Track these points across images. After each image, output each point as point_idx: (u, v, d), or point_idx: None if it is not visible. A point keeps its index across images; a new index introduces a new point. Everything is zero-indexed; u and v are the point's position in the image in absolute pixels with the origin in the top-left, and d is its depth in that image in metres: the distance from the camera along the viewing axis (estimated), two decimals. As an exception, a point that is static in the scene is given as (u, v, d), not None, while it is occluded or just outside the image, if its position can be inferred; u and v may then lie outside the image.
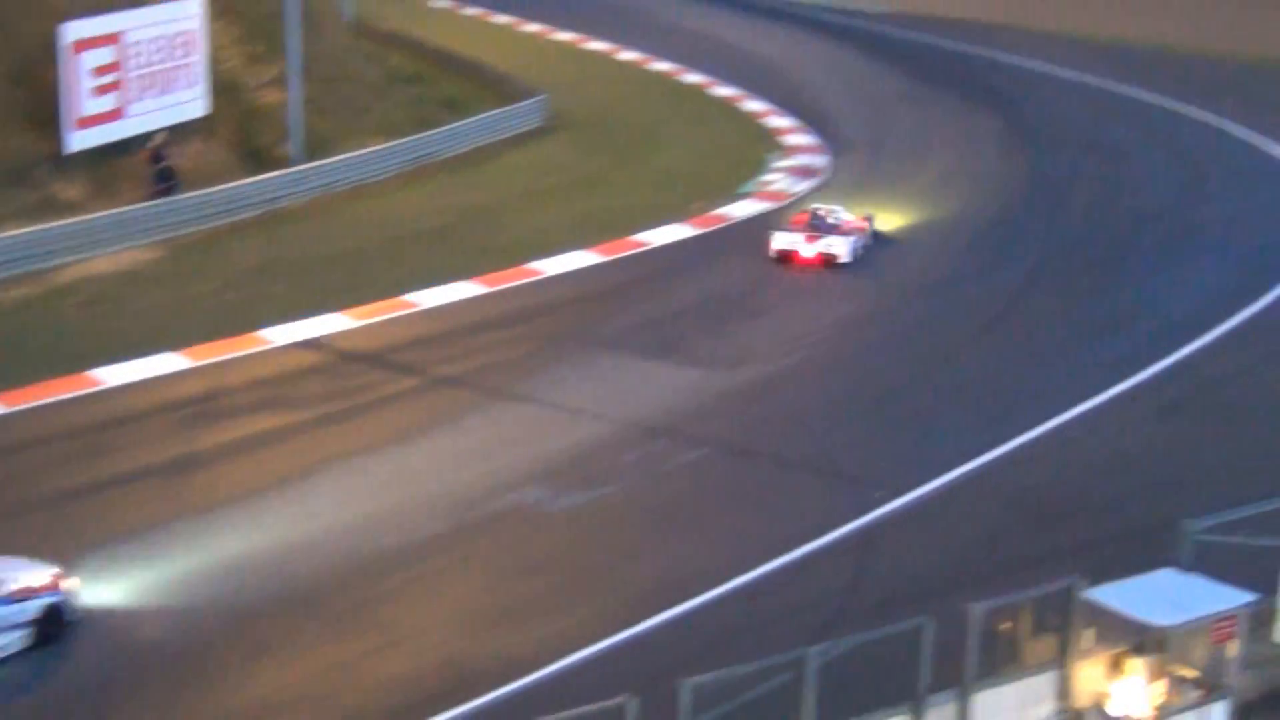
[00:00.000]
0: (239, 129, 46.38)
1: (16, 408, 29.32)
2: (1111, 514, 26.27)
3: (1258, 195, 47.95)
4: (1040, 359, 33.71)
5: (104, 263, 38.02)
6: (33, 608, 20.82)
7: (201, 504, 25.60)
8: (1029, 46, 72.88)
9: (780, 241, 39.41)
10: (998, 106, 59.97)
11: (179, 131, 43.93)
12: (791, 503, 26.42)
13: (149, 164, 42.06)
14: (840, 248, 39.05)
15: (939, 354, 33.82)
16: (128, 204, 40.58)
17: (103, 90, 41.52)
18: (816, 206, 41.14)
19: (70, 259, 37.70)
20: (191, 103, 44.70)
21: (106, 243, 38.68)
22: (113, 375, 30.96)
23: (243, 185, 43.05)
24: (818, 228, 39.65)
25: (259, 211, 42.69)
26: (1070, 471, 28.00)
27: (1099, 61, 69.36)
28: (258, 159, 45.68)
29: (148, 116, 43.00)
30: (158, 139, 42.70)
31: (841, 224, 39.85)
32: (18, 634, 20.65)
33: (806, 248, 39.05)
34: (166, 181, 41.77)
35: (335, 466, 27.21)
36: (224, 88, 46.72)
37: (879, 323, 36.07)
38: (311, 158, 46.08)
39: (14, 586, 20.79)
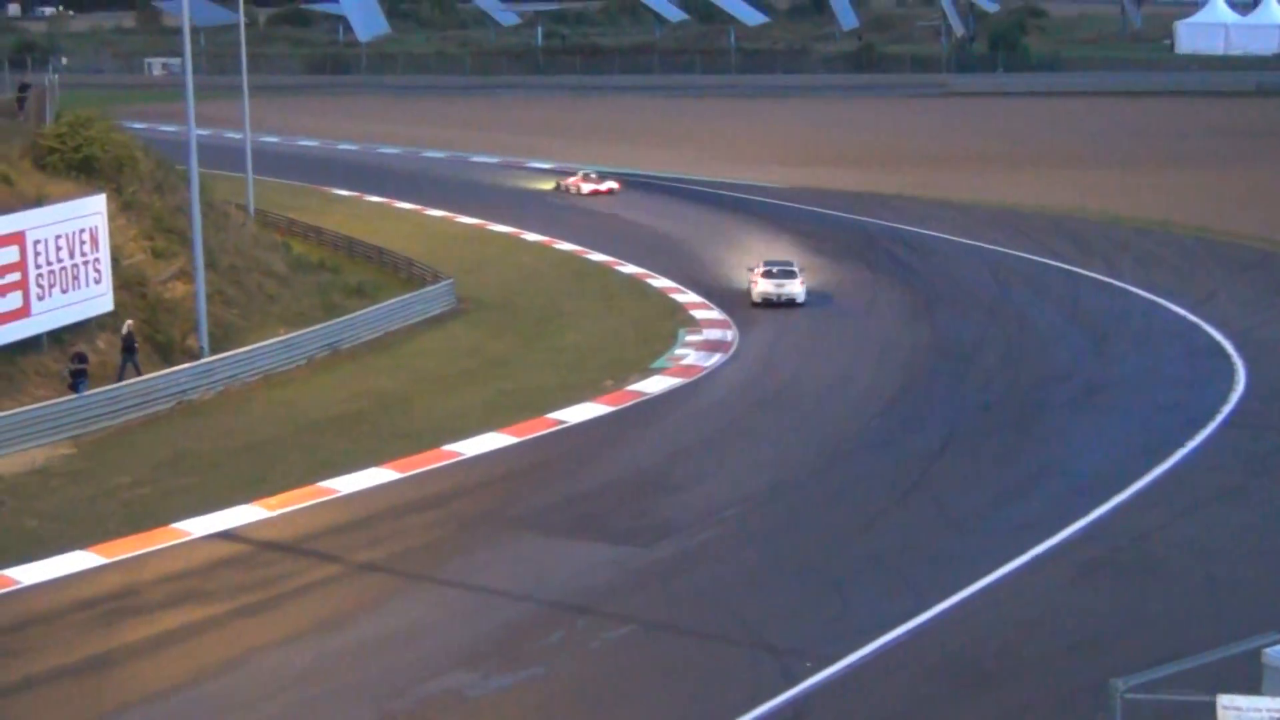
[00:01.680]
0: (146, 323, 46.32)
1: (-73, 612, 28.87)
2: (1038, 676, 26.32)
3: (1159, 353, 48.75)
4: (956, 524, 33.90)
5: (12, 461, 37.66)
6: None
7: (119, 703, 25.25)
8: (926, 215, 74.24)
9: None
10: (900, 274, 60.92)
11: (85, 328, 43.84)
12: (719, 677, 26.31)
13: (69, 361, 41.89)
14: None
15: (855, 523, 33.95)
16: (35, 402, 40.33)
17: (6, 289, 41.42)
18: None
19: (-22, 459, 37.34)
20: (98, 299, 44.63)
21: (15, 441, 38.35)
22: (24, 575, 30.59)
23: (152, 379, 42.91)
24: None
25: (169, 404, 42.55)
26: (995, 635, 28.08)
27: (993, 227, 70.73)
28: (166, 352, 45.63)
29: (53, 314, 42.91)
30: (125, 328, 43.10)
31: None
32: None
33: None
34: (78, 378, 41.59)
35: (256, 658, 26.89)
36: (130, 282, 46.76)
37: (794, 493, 36.20)
38: (220, 349, 46.06)
39: None
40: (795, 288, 54.44)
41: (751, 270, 55.85)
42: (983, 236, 68.67)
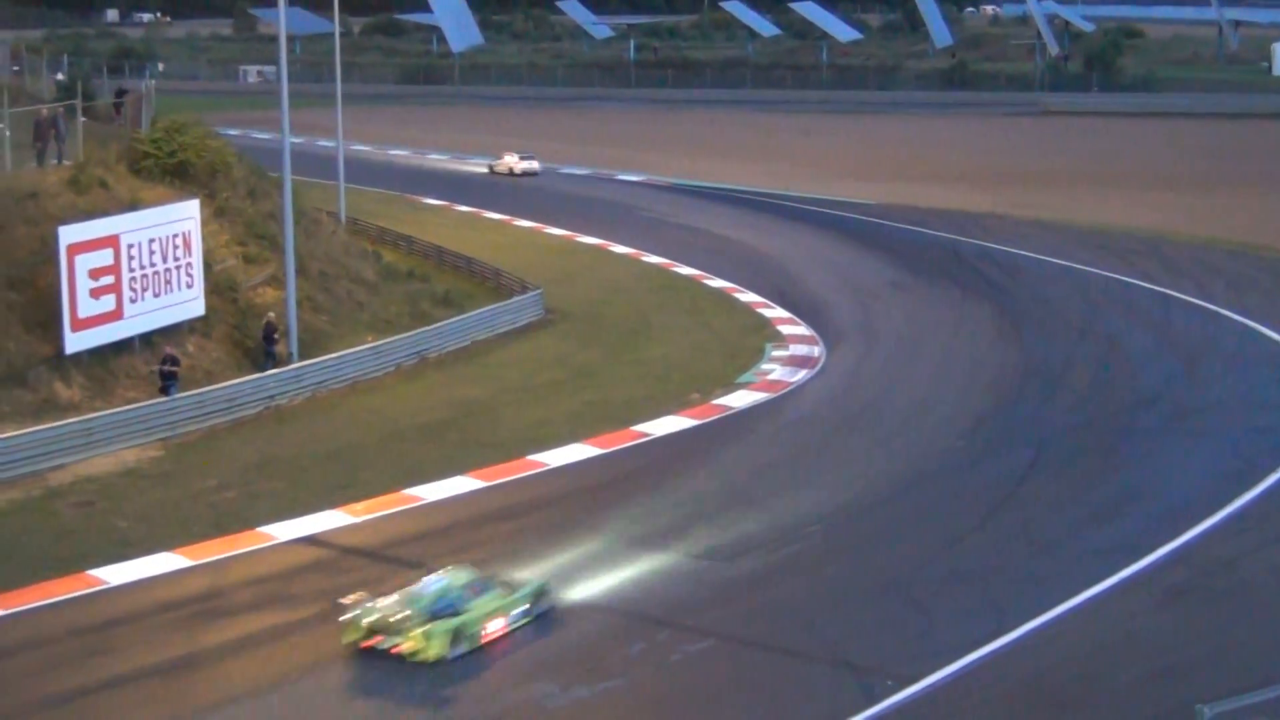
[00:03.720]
0: (236, 328, 46.74)
1: (15, 609, 29.27)
2: (1121, 702, 26.07)
3: (1251, 378, 48.16)
4: (1042, 546, 33.61)
5: (103, 463, 38.10)
6: None
7: (204, 704, 25.50)
8: (1016, 234, 73.78)
9: None
10: (989, 294, 60.55)
11: (176, 331, 44.30)
12: (799, 694, 26.25)
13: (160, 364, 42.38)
14: None
15: (939, 542, 33.73)
16: (127, 404, 40.76)
17: (100, 292, 41.89)
18: None
19: (69, 459, 37.80)
20: (189, 303, 45.07)
21: (105, 443, 38.80)
22: (112, 575, 30.96)
23: (240, 383, 43.30)
24: None
25: (257, 409, 42.88)
26: (1078, 659, 27.81)
27: (1086, 248, 70.16)
28: (254, 357, 45.99)
29: (146, 317, 43.37)
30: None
31: None
32: None
33: None
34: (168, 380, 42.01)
35: (338, 663, 27.03)
36: (221, 287, 47.20)
37: (878, 511, 36.02)
38: (308, 355, 46.39)
39: None
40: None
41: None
42: (1074, 256, 68.15)
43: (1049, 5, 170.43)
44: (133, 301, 42.95)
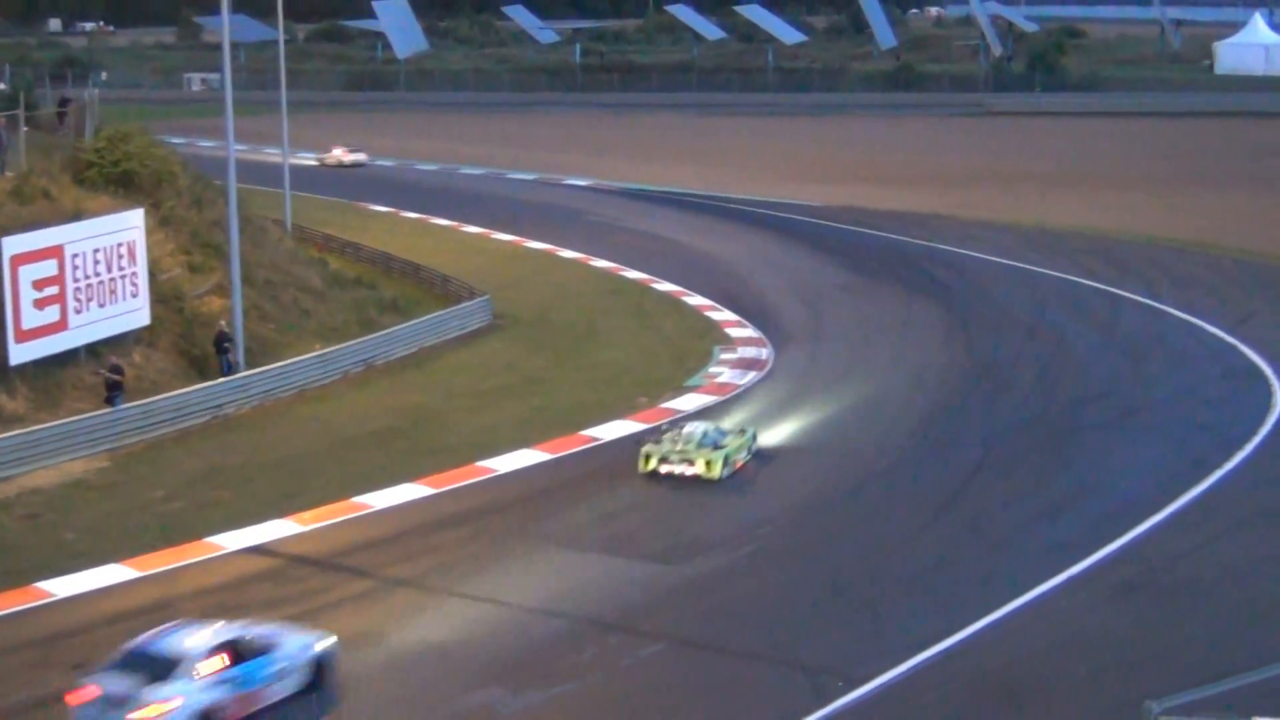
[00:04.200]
0: (182, 337, 46.53)
1: (-39, 623, 29.04)
2: (1072, 698, 26.21)
3: (1196, 375, 48.48)
4: (992, 544, 33.78)
5: (49, 474, 37.86)
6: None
7: (153, 716, 25.25)
8: (963, 235, 74.05)
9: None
10: (936, 294, 60.77)
11: (122, 342, 44.08)
12: (751, 696, 26.29)
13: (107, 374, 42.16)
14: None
15: (889, 542, 33.86)
16: (72, 415, 40.51)
17: (45, 303, 41.64)
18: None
19: (14, 471, 37.55)
20: (134, 313, 44.83)
21: (51, 454, 38.55)
22: (60, 587, 30.80)
23: (187, 393, 43.09)
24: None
25: (204, 419, 42.68)
26: (1028, 656, 27.96)
27: (1032, 248, 70.46)
28: (201, 367, 45.79)
29: (91, 327, 43.11)
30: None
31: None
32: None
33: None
34: (113, 391, 41.78)
35: (288, 673, 26.91)
36: (166, 296, 46.97)
37: (827, 512, 36.13)
38: (255, 364, 46.20)
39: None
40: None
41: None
42: (1020, 257, 68.46)
43: (992, 6, 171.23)
44: (77, 312, 42.68)
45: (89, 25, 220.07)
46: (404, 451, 40.53)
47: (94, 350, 43.30)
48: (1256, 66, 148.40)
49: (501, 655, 27.76)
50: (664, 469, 37.33)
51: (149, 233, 46.17)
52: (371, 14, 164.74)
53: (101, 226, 44.29)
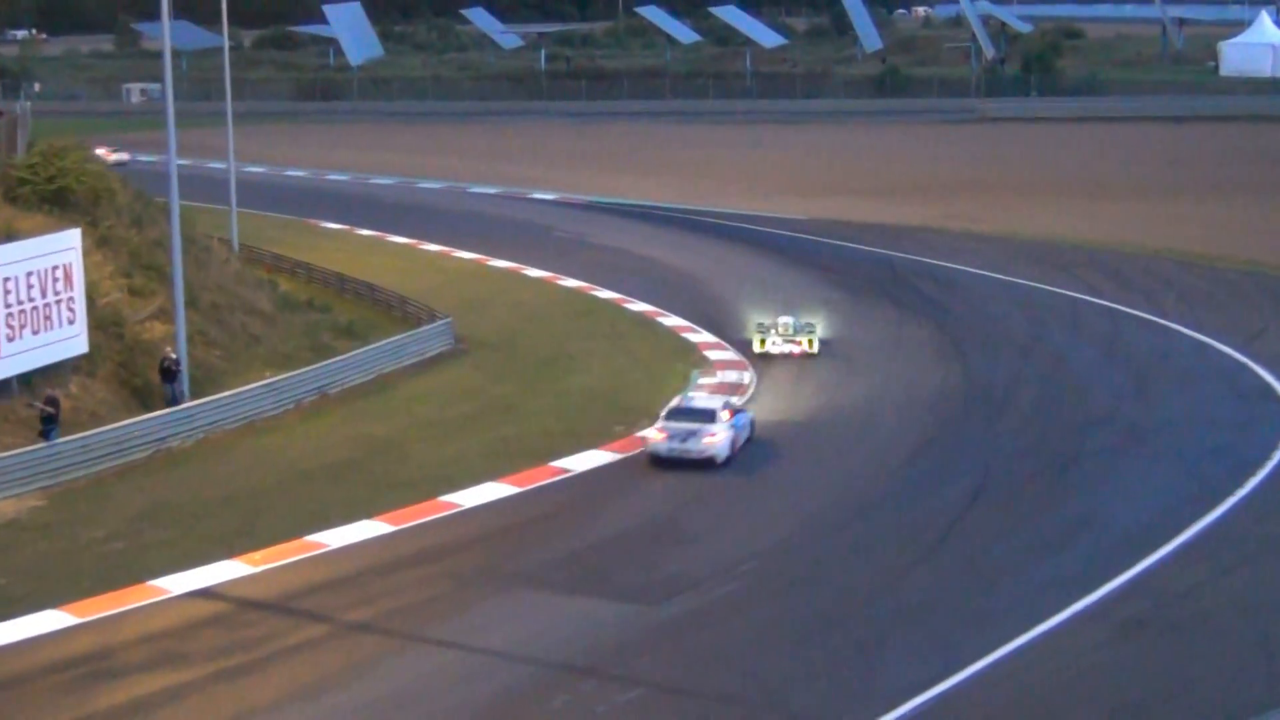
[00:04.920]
0: (122, 365, 46.36)
1: (-113, 676, 28.81)
2: (1079, 742, 26.23)
3: (1205, 395, 48.60)
4: (991, 579, 33.78)
5: (-21, 514, 37.68)
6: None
7: (94, 773, 25.14)
8: (954, 248, 74.30)
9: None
10: (927, 312, 60.91)
11: (57, 371, 43.88)
12: (735, 744, 26.23)
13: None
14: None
15: (880, 579, 33.82)
16: (4, 450, 40.30)
17: (-26, 330, 41.47)
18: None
19: (-58, 512, 37.35)
20: (71, 340, 44.62)
21: (-18, 493, 38.37)
22: (-8, 636, 30.56)
23: (127, 425, 42.88)
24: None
25: (146, 453, 42.50)
26: (1032, 698, 27.96)
27: (1028, 262, 70.72)
28: (143, 397, 45.61)
29: (24, 356, 42.89)
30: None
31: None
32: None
33: None
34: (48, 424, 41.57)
35: (237, 726, 26.81)
36: (105, 322, 46.80)
37: (815, 546, 36.10)
38: (200, 393, 46.05)
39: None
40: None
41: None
42: (1016, 271, 68.65)
43: (983, 5, 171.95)
44: (10, 340, 42.47)
45: (20, 33, 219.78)
46: (361, 486, 40.40)
47: (27, 381, 43.11)
48: (1263, 67, 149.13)
49: (466, 705, 27.66)
50: (774, 350, 53.88)
51: (86, 254, 45.99)
52: (322, 18, 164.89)
53: (35, 248, 44.07)
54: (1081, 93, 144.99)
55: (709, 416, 42.23)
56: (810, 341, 53.96)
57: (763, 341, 53.99)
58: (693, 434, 41.53)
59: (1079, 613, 31.51)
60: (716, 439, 41.50)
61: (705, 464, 41.07)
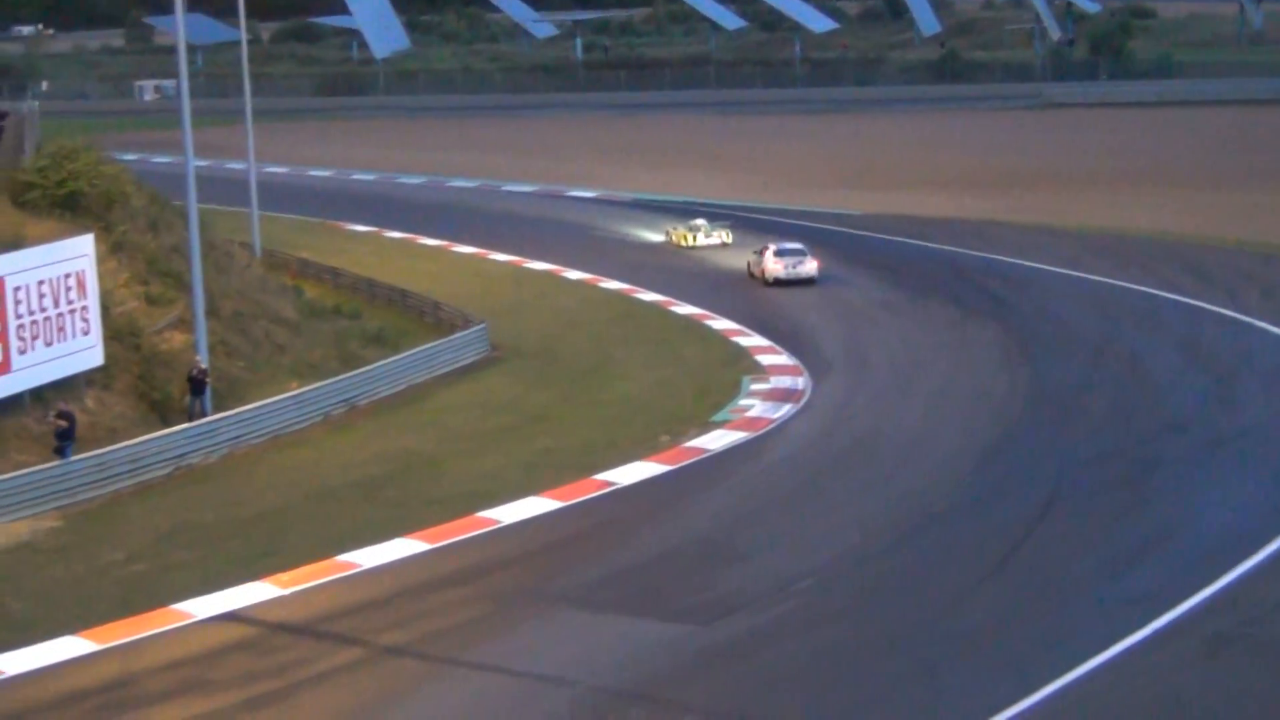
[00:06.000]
0: (140, 378, 46.59)
1: (-102, 708, 29.06)
2: (1161, 768, 26.17)
3: (1292, 397, 48.47)
4: (1061, 597, 33.62)
5: (-7, 536, 37.94)
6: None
7: (116, 809, 25.31)
8: (1021, 243, 74.17)
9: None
10: (993, 312, 60.80)
11: (72, 384, 44.14)
12: (795, 773, 26.25)
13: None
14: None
15: (945, 598, 33.69)
16: (17, 468, 40.56)
17: (-17, 344, 41.75)
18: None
19: (-47, 534, 37.63)
20: (86, 352, 44.88)
21: (-5, 514, 38.65)
22: (9, 663, 30.73)
23: (146, 442, 43.12)
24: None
25: (167, 470, 42.74)
26: (1110, 722, 27.92)
27: (1100, 256, 70.54)
28: (162, 411, 45.83)
29: (36, 369, 43.18)
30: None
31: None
32: None
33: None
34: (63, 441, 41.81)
35: (268, 758, 26.97)
36: (122, 333, 47.06)
37: (876, 562, 36.03)
38: (223, 407, 46.25)
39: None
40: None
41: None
42: (1086, 267, 68.48)
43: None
44: (21, 353, 42.76)
45: (26, 29, 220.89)
46: (394, 502, 40.55)
47: (40, 395, 43.38)
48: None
49: (511, 732, 27.75)
50: (703, 242, 74.03)
51: (100, 261, 46.28)
52: (345, 9, 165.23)
53: (46, 255, 44.35)
54: (1153, 76, 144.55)
55: (803, 251, 66.54)
56: (727, 233, 74.85)
57: (694, 238, 74.44)
58: (800, 261, 65.60)
59: (1159, 630, 31.34)
60: (814, 264, 65.64)
61: (807, 282, 64.65)
